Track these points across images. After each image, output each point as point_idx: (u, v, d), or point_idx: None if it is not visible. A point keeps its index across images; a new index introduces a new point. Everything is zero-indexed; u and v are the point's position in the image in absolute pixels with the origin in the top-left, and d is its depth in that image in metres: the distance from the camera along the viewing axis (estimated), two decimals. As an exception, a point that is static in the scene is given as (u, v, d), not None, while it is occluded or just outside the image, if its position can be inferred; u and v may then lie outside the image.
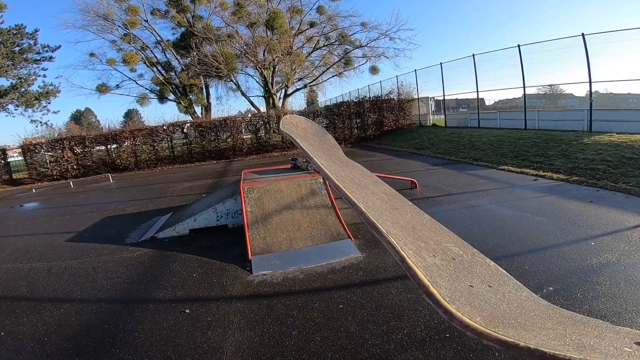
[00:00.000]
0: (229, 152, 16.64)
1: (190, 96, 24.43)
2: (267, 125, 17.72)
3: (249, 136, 17.36)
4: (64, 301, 3.63)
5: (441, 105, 17.85)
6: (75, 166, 15.08)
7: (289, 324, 2.90)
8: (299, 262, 4.11)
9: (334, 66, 24.67)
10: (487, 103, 16.70)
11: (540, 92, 14.73)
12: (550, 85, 14.13)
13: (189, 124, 17.11)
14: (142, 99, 24.25)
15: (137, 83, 24.05)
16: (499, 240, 4.22)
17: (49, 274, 4.39)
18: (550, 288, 3.01)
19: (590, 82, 9.80)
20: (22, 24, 20.18)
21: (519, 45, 11.96)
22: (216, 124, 16.70)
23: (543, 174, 7.13)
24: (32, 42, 20.79)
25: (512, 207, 5.44)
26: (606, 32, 9.44)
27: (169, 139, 16.43)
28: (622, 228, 4.17)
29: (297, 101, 57.95)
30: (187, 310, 3.22)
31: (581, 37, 9.73)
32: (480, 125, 14.42)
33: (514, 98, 15.30)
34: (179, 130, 16.54)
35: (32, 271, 4.55)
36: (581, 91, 12.60)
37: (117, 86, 23.65)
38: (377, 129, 18.39)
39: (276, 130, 17.76)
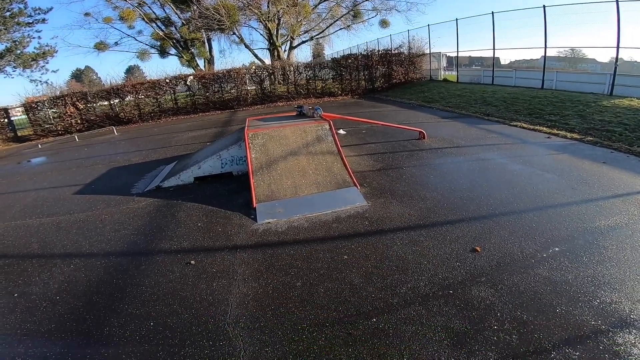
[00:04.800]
0: (233, 103, 16.35)
1: (193, 50, 23.68)
2: (272, 76, 17.24)
3: (254, 87, 16.94)
4: (73, 257, 3.66)
5: (454, 62, 17.01)
6: (79, 121, 14.91)
7: (293, 274, 2.93)
8: (304, 210, 4.09)
9: (342, 19, 23.33)
10: (502, 62, 15.84)
11: (561, 55, 13.98)
12: (572, 49, 13.42)
13: (192, 77, 16.62)
14: (142, 55, 23.77)
15: (136, 39, 23.51)
16: (507, 195, 4.13)
17: (59, 229, 4.43)
18: (557, 249, 2.95)
19: (618, 47, 9.25)
20: (10, -11, 19.33)
21: (544, 6, 11.18)
22: (220, 75, 16.26)
23: (557, 132, 6.83)
24: (22, 6, 20.23)
25: (523, 162, 5.28)
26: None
27: (172, 92, 16.07)
28: (633, 191, 4.00)
29: (303, 53, 55.73)
30: (192, 262, 3.26)
31: (615, 2, 9.03)
32: (494, 83, 13.81)
33: (531, 59, 14.52)
34: (182, 82, 16.12)
35: (42, 227, 4.58)
36: (604, 57, 11.98)
37: (116, 43, 23.17)
38: (386, 82, 17.67)
39: (281, 82, 17.28)
